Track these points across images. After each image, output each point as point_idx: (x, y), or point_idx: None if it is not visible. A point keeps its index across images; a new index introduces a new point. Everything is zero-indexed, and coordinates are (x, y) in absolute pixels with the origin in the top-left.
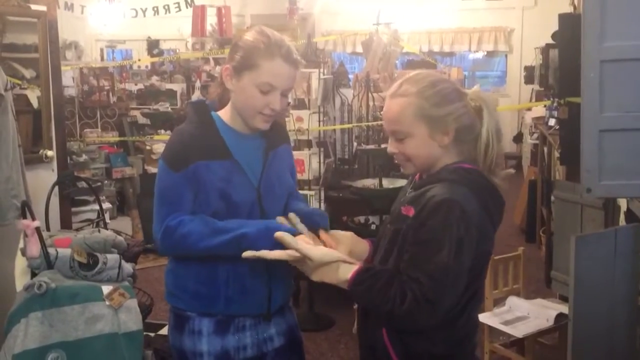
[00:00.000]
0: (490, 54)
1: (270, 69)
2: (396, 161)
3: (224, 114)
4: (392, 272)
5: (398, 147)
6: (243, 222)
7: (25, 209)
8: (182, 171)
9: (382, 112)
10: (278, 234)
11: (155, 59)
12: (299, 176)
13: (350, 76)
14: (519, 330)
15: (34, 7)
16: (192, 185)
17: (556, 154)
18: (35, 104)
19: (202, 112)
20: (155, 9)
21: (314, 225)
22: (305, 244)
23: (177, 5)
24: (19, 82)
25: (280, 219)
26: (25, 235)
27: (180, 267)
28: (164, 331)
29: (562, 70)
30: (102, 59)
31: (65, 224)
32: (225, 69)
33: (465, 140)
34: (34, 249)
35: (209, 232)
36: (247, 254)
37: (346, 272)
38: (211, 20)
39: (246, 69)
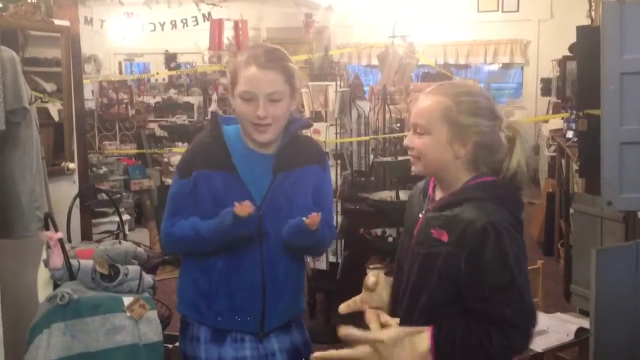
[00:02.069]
0: (506, 66)
1: (245, 77)
2: (409, 155)
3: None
4: (462, 318)
5: (414, 141)
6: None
7: (48, 221)
8: (186, 178)
9: (398, 125)
10: (342, 331)
11: (173, 72)
12: None
13: (366, 88)
14: (538, 345)
15: (57, 22)
16: (194, 193)
17: (574, 167)
18: (56, 117)
19: (213, 122)
20: (173, 22)
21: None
22: (370, 332)
23: (194, 19)
24: (41, 95)
25: None
26: (48, 247)
27: (184, 274)
28: None
29: (580, 82)
30: (120, 72)
31: (86, 236)
32: (229, 90)
33: (483, 161)
34: (57, 260)
35: (192, 233)
36: (316, 355)
37: (422, 343)
38: (228, 33)
39: (233, 84)
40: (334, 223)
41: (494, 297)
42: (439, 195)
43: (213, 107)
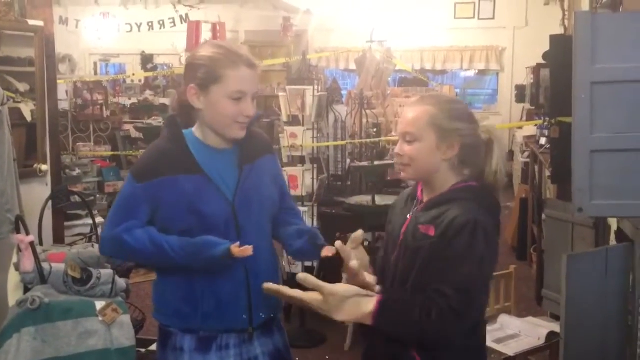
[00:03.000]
0: (481, 73)
1: (237, 76)
2: (397, 164)
3: (197, 132)
4: (411, 292)
5: (405, 149)
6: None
7: (20, 223)
8: (144, 183)
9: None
10: (301, 275)
11: (149, 74)
12: (292, 192)
13: (343, 93)
14: (510, 349)
15: (31, 22)
16: (152, 199)
17: (547, 173)
18: (28, 117)
19: (173, 126)
20: (150, 24)
21: (319, 244)
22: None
23: (172, 20)
24: (13, 95)
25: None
26: (19, 250)
27: (163, 282)
28: (155, 347)
29: (553, 90)
30: (95, 73)
31: (59, 239)
32: (190, 89)
33: (467, 163)
34: (28, 263)
35: (150, 247)
36: (269, 285)
37: (368, 304)
38: (206, 35)
39: (212, 82)
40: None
41: (446, 278)
42: (426, 198)
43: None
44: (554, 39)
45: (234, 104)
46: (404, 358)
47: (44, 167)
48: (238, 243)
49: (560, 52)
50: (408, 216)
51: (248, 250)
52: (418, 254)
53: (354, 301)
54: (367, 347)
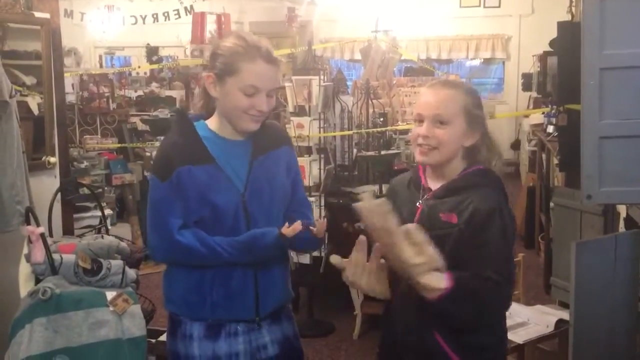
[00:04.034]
0: (487, 61)
1: (252, 71)
2: (420, 147)
3: (212, 122)
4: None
5: (436, 132)
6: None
7: (30, 215)
8: (167, 180)
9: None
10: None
11: (155, 66)
12: None
13: (349, 83)
14: (519, 336)
15: (37, 14)
16: (179, 192)
17: (555, 161)
18: (35, 110)
19: (181, 119)
20: (155, 16)
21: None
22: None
23: (176, 12)
24: (20, 88)
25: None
26: (30, 242)
27: (172, 272)
28: (165, 337)
29: (561, 77)
30: (100, 65)
31: (68, 230)
32: (207, 77)
33: (479, 150)
34: (39, 254)
35: (202, 248)
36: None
37: (440, 280)
38: (210, 27)
39: (228, 74)
40: (318, 216)
41: (489, 266)
42: (434, 184)
43: (196, 101)
44: (561, 25)
45: (246, 97)
46: (428, 342)
47: (53, 160)
48: (287, 224)
49: (568, 38)
50: (418, 204)
51: (297, 226)
52: (444, 241)
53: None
54: (386, 334)
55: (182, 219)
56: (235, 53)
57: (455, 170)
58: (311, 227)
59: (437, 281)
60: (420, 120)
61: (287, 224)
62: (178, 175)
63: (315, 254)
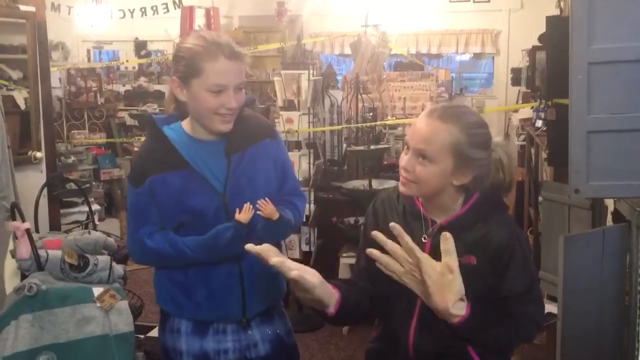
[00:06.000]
0: (477, 56)
1: (215, 69)
2: (401, 177)
3: (186, 124)
4: (499, 310)
5: (416, 169)
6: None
7: (15, 211)
8: (140, 187)
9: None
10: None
11: (143, 60)
12: None
13: (339, 77)
14: None
15: (22, 7)
16: (153, 198)
17: (543, 155)
18: (22, 105)
19: (150, 125)
20: (143, 10)
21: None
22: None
23: (165, 6)
24: (6, 83)
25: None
26: (15, 237)
27: (161, 270)
28: (154, 333)
29: (549, 72)
30: (88, 60)
31: (54, 226)
32: (172, 81)
33: (475, 186)
34: (24, 250)
35: (170, 249)
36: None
37: (461, 306)
38: (199, 21)
39: (192, 76)
40: (306, 207)
41: (520, 298)
42: (436, 216)
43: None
44: (550, 20)
45: (214, 96)
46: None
47: (39, 155)
48: (237, 210)
49: (557, 33)
50: (424, 239)
51: (246, 209)
52: (464, 282)
53: (451, 289)
54: (385, 333)
55: (155, 224)
56: (196, 53)
57: (452, 199)
58: (259, 211)
59: (455, 307)
60: (407, 147)
61: (237, 210)
62: (150, 183)
63: (305, 248)
